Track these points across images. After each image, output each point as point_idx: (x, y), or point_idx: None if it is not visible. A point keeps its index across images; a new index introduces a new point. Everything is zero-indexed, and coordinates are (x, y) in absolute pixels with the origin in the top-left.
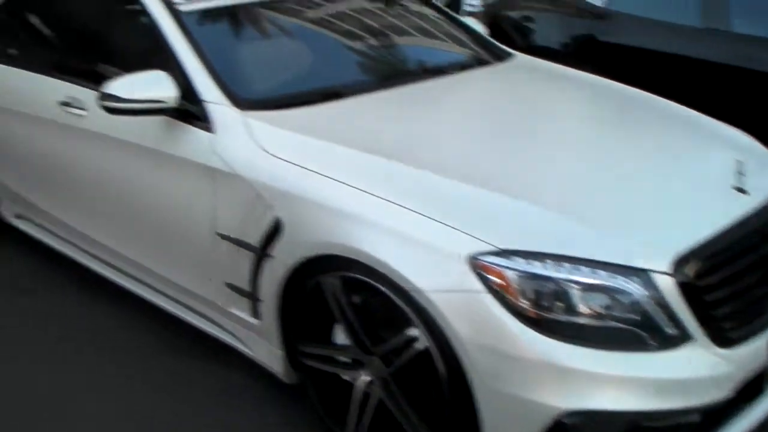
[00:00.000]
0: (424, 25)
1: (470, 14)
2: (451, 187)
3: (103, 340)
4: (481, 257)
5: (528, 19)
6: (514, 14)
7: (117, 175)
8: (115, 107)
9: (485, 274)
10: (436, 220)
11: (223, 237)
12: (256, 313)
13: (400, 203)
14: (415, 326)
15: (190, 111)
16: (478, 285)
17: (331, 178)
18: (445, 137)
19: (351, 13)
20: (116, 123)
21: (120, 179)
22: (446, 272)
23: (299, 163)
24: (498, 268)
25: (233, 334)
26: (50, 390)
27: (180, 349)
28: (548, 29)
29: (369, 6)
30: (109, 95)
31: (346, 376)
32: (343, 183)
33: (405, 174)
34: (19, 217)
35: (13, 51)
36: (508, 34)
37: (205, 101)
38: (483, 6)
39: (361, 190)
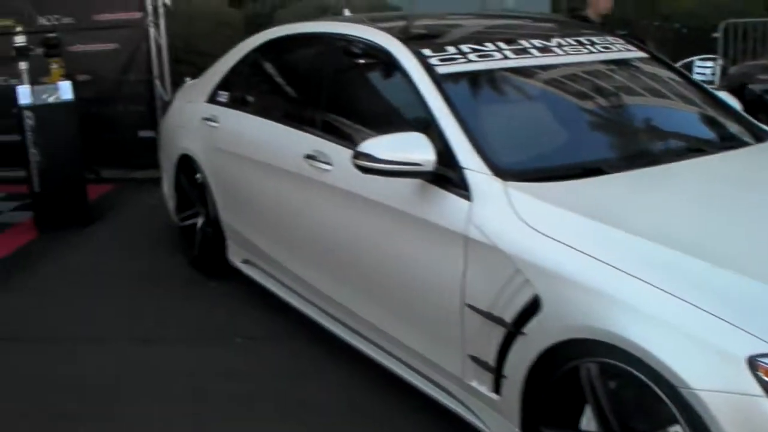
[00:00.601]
0: (676, 97)
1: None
2: (728, 278)
3: (325, 398)
4: (762, 359)
5: None
6: (755, 87)
7: (359, 232)
8: (370, 167)
9: (765, 377)
10: (712, 314)
11: (472, 308)
12: (497, 389)
13: (673, 292)
14: (679, 423)
15: (446, 176)
16: (755, 388)
17: (598, 259)
18: (717, 224)
19: (606, 84)
20: (363, 181)
21: (361, 237)
22: (721, 371)
23: (564, 240)
24: None
25: (467, 407)
26: None
27: (408, 414)
28: None
29: (620, 74)
30: (364, 154)
31: None
32: (611, 266)
33: (678, 261)
34: (246, 262)
35: (251, 99)
36: (748, 108)
37: (464, 168)
38: (713, 74)
39: (630, 275)
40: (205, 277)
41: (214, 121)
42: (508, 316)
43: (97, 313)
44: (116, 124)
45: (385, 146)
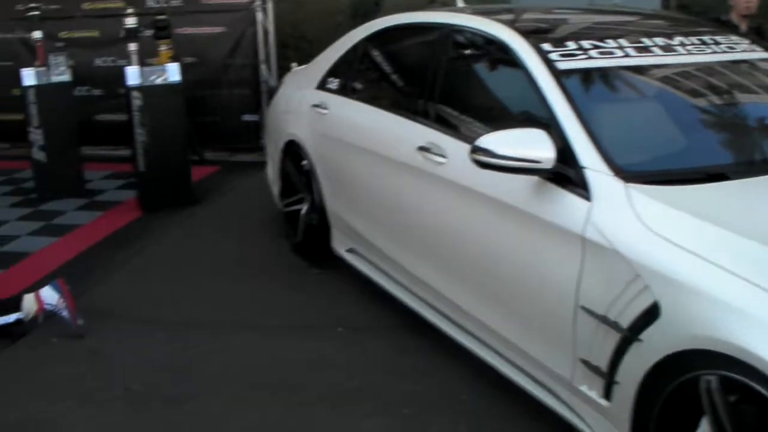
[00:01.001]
0: None
1: None
2: None
3: (429, 393)
4: None
5: None
6: None
7: (471, 227)
8: (488, 162)
9: None
10: None
11: (587, 311)
12: (607, 395)
13: None
14: None
15: (565, 175)
16: None
17: (723, 268)
18: None
19: (731, 86)
20: (479, 176)
21: (474, 232)
22: None
23: (688, 247)
24: None
25: (574, 411)
26: None
27: (512, 414)
28: None
29: (746, 76)
30: (483, 149)
31: None
32: (738, 276)
33: None
34: (350, 251)
35: (362, 88)
36: None
37: (584, 167)
38: None
39: (757, 286)
40: (308, 264)
41: (324, 108)
42: (625, 321)
43: (198, 296)
44: (220, 107)
45: (504, 142)
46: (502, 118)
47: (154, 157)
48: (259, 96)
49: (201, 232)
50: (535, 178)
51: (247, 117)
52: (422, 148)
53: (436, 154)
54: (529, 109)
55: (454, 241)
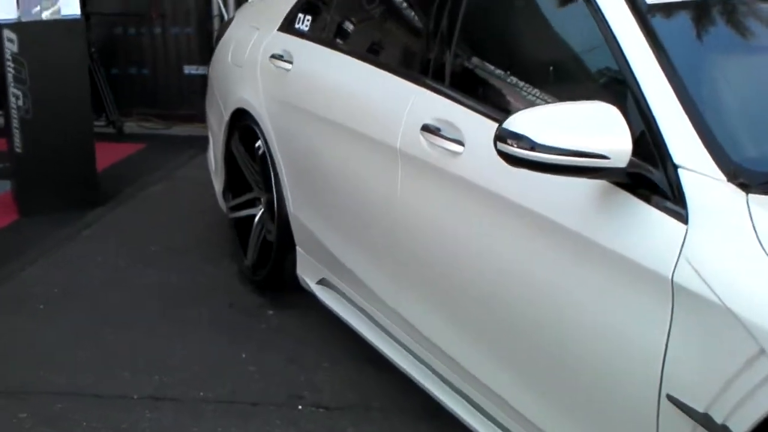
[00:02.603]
0: None
1: None
2: None
3: None
4: None
5: None
6: None
7: (497, 257)
8: (522, 156)
9: None
10: None
11: (677, 405)
12: None
13: None
14: None
15: (646, 178)
16: None
17: None
18: None
19: None
20: (512, 177)
21: (496, 263)
22: None
23: None
24: None
25: None
26: None
27: None
28: None
29: None
30: (516, 134)
31: None
32: None
33: None
34: (323, 283)
35: (347, 31)
36: None
37: (679, 166)
38: None
39: None
40: (262, 298)
41: (287, 61)
42: (740, 426)
43: (91, 352)
44: (150, 55)
45: (549, 123)
46: (549, 81)
47: (39, 130)
48: (209, 38)
49: (107, 247)
50: (597, 183)
51: (190, 69)
52: (428, 128)
53: (447, 139)
54: (593, 67)
55: (472, 279)
